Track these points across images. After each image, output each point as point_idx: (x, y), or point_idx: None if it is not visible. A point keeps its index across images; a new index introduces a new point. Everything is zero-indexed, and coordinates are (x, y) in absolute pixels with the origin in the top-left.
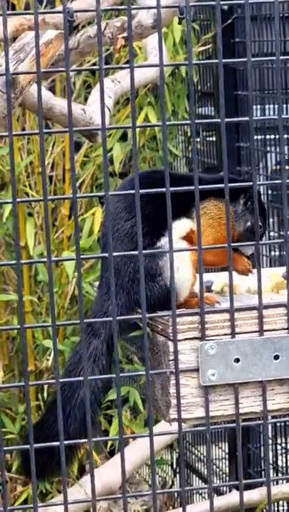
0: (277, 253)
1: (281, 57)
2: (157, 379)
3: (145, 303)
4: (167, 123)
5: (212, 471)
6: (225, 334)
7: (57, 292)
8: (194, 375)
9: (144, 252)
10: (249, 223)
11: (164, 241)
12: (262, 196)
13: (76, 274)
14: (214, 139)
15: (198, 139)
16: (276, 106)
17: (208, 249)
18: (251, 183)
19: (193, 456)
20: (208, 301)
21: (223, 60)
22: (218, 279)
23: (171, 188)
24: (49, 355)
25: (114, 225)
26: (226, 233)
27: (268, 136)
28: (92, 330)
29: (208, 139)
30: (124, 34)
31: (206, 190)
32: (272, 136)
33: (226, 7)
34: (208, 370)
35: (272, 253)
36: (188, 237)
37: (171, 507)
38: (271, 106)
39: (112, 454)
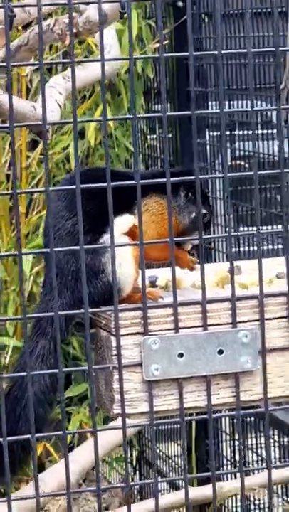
0: (246, 248)
1: (253, 50)
2: (101, 374)
3: (89, 299)
4: (138, 116)
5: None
6: (168, 329)
7: (14, 290)
8: (138, 370)
9: (85, 247)
10: (193, 214)
11: (106, 238)
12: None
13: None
14: (170, 135)
15: (155, 136)
16: (242, 102)
17: (150, 244)
18: (192, 177)
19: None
20: (151, 296)
21: (195, 53)
22: (163, 274)
23: (113, 183)
24: (6, 352)
25: (56, 224)
26: (169, 227)
27: (227, 132)
28: (39, 329)
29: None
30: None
31: (148, 186)
32: (228, 133)
33: (180, 3)
34: (151, 364)
35: (243, 248)
36: (131, 233)
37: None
38: (235, 102)
39: (71, 451)
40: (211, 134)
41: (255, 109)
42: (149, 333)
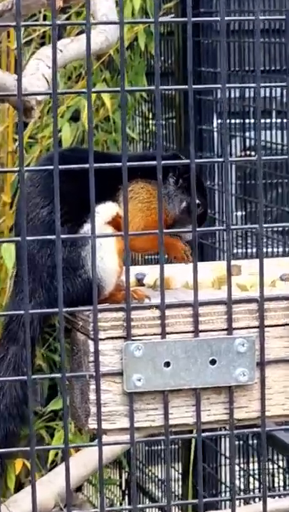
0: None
1: (262, 17)
2: (76, 383)
3: (66, 299)
4: (127, 88)
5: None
6: (154, 334)
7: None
8: (118, 379)
9: (62, 237)
10: (184, 203)
11: (86, 228)
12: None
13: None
14: (174, 121)
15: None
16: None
17: (137, 235)
18: (187, 161)
19: (145, 477)
20: (137, 296)
21: (193, 19)
22: (152, 272)
23: (95, 165)
24: None
25: (29, 213)
26: (158, 217)
27: (232, 121)
28: (8, 335)
29: (170, 121)
30: None
31: (134, 170)
32: (238, 121)
33: None
34: (133, 374)
35: (250, 249)
36: (114, 223)
37: None
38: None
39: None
40: (219, 121)
41: (262, 86)
42: (132, 338)
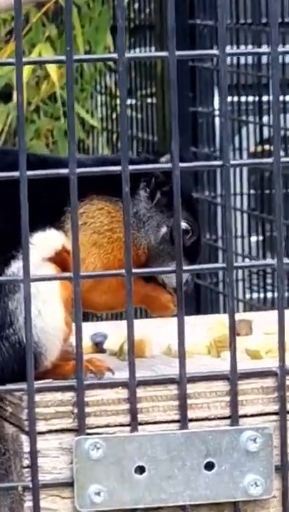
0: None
1: None
2: (4, 499)
3: None
4: (76, 58)
5: None
6: (121, 425)
7: None
8: (66, 493)
9: None
10: (164, 229)
11: (16, 267)
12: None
13: None
14: (155, 100)
15: (133, 101)
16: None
17: (92, 276)
18: (168, 166)
19: None
20: (93, 368)
21: None
22: (118, 331)
23: (29, 172)
24: None
25: None
26: (124, 252)
27: (243, 99)
28: None
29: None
30: None
31: (87, 183)
32: (251, 99)
33: None
34: (90, 485)
35: (266, 294)
36: (59, 261)
37: None
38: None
39: None
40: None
41: (281, 51)
42: (88, 432)
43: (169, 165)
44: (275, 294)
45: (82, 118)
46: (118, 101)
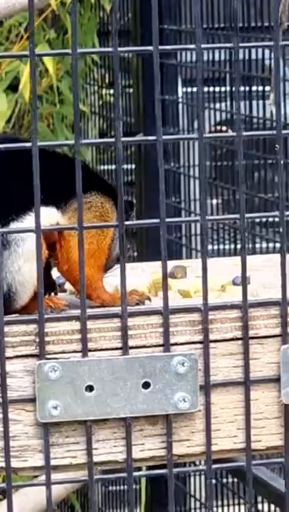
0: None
1: None
2: None
3: None
4: (80, 50)
5: None
6: (74, 351)
7: None
8: (29, 407)
9: None
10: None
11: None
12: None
13: None
14: (131, 90)
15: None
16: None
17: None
18: (153, 138)
19: None
20: (52, 304)
21: None
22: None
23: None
24: None
25: None
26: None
27: (205, 89)
28: None
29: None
30: None
31: (90, 181)
32: (212, 89)
33: None
34: (48, 400)
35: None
36: (48, 235)
37: None
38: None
39: None
40: (185, 89)
41: (240, 46)
42: (47, 357)
43: (154, 137)
44: (232, 246)
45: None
46: (104, 90)
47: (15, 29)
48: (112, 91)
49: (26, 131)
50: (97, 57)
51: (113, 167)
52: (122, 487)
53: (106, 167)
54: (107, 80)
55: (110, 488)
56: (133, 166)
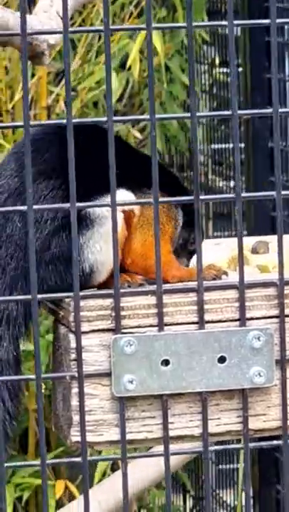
0: None
1: None
2: (58, 386)
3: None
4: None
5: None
6: (150, 325)
7: None
8: (105, 381)
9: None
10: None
11: (89, 210)
12: None
13: None
14: (240, 68)
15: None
16: None
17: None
18: (188, 115)
19: (215, 503)
20: (130, 279)
21: None
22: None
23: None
24: None
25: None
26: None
27: None
28: None
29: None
30: None
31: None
32: None
33: None
34: (124, 375)
35: None
36: (126, 216)
37: None
38: None
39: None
40: None
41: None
42: (123, 331)
43: (188, 114)
44: None
45: (180, 78)
46: (216, 69)
47: (124, 8)
48: (224, 69)
49: (138, 109)
50: (205, 35)
51: (224, 146)
52: (232, 465)
53: (217, 146)
54: (217, 60)
55: (220, 466)
56: (242, 145)
